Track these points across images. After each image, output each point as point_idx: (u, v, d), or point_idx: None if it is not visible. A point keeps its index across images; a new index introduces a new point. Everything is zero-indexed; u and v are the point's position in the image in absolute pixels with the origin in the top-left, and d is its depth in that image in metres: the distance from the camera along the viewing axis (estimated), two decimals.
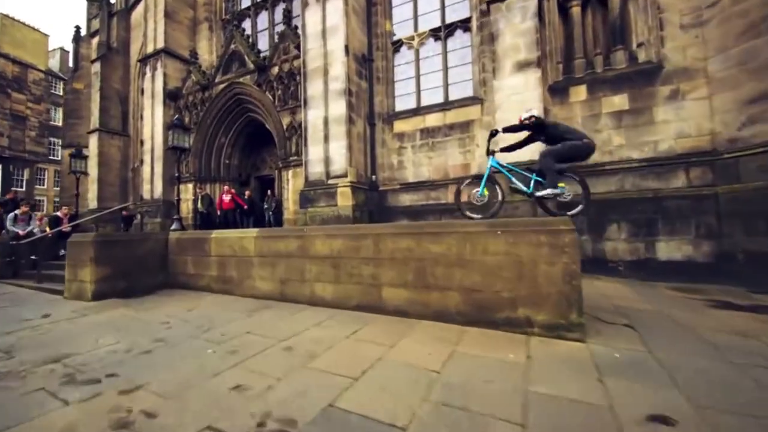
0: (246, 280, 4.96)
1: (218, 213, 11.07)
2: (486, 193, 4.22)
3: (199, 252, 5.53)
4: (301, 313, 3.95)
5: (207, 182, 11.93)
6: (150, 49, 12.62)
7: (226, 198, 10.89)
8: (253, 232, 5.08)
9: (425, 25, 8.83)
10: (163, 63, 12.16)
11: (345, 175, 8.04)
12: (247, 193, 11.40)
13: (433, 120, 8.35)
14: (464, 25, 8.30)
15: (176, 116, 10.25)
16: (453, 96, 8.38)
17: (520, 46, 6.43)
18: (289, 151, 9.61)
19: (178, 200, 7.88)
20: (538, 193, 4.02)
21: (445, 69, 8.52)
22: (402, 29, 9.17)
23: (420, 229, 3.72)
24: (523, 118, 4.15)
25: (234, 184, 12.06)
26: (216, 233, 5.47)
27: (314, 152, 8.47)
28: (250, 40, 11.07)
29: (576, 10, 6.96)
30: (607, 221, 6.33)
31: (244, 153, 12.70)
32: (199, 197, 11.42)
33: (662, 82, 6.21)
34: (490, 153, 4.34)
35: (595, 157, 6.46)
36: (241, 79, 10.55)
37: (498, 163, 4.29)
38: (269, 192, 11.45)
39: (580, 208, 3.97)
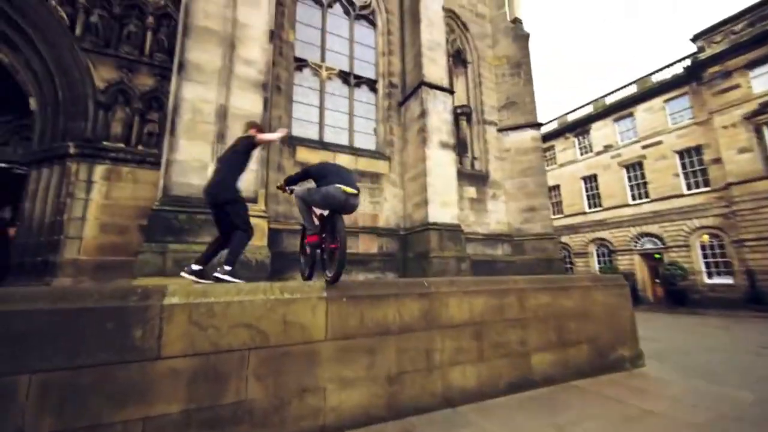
0: (297, 401, 2.29)
1: None
2: None
3: (100, 351, 1.87)
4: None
5: None
6: None
7: None
8: (314, 288, 2.50)
9: (334, 62, 8.38)
10: None
11: (255, 200, 5.48)
12: None
13: (345, 161, 7.69)
14: (371, 84, 8.75)
15: None
16: (357, 143, 8.26)
17: (443, 129, 7.87)
18: (104, 132, 5.07)
19: None
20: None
21: (352, 115, 8.35)
22: (306, 51, 8.11)
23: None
24: None
25: None
26: (177, 288, 2.10)
27: (192, 151, 5.17)
28: None
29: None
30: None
31: None
32: None
33: (489, 186, 9.72)
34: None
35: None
36: None
37: None
38: None
39: None
